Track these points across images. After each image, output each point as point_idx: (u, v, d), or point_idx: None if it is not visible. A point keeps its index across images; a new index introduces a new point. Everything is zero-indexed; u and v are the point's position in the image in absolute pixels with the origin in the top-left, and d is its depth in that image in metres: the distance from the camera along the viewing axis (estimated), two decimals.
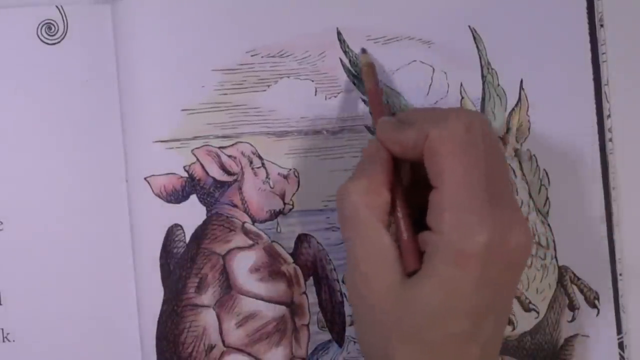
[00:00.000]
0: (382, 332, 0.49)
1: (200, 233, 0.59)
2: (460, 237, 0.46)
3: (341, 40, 0.59)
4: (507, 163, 0.51)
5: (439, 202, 0.47)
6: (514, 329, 0.60)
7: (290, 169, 0.59)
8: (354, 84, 0.59)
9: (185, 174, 0.59)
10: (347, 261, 0.51)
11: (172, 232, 0.59)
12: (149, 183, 0.59)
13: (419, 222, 0.49)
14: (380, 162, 0.51)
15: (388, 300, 0.48)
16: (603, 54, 0.61)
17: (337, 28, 0.59)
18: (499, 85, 0.60)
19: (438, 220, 0.47)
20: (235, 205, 0.59)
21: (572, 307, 0.61)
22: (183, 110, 0.59)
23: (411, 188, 0.52)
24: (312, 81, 0.59)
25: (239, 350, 0.59)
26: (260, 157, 0.59)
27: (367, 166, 0.51)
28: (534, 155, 0.61)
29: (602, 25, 0.61)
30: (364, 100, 0.60)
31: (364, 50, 0.59)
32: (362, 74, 0.59)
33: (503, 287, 0.48)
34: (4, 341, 0.59)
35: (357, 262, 0.50)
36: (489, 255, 0.46)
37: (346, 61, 0.59)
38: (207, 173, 0.59)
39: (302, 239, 0.60)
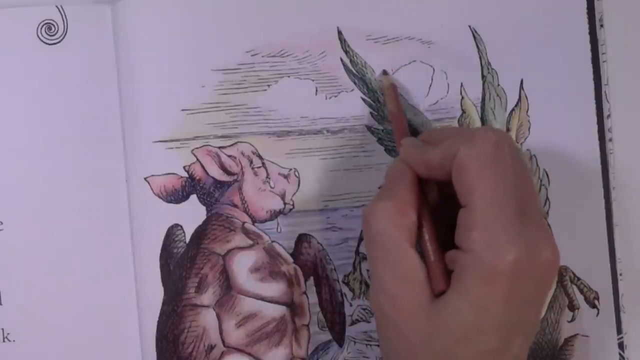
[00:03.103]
0: (409, 351, 0.49)
1: (200, 233, 0.59)
2: (490, 255, 0.46)
3: (342, 40, 0.59)
4: (532, 179, 0.51)
5: (468, 220, 0.47)
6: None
7: (291, 169, 0.59)
8: (355, 83, 0.59)
9: (185, 174, 0.59)
10: (372, 281, 0.51)
11: (172, 232, 0.59)
12: (148, 183, 0.59)
13: (445, 240, 0.50)
14: (406, 182, 0.51)
15: (417, 320, 0.48)
16: (603, 54, 0.61)
17: (338, 27, 0.59)
18: (499, 85, 0.60)
19: (468, 239, 0.47)
20: (235, 205, 0.59)
21: (572, 307, 0.61)
22: (183, 110, 0.59)
23: (437, 207, 0.52)
24: (313, 81, 0.59)
25: (239, 350, 0.59)
26: (260, 157, 0.59)
27: (392, 186, 0.51)
28: (534, 155, 0.61)
29: (602, 25, 0.61)
30: (364, 100, 0.60)
31: (385, 72, 0.59)
32: (385, 96, 0.59)
33: (531, 303, 0.48)
34: (4, 341, 0.58)
35: (383, 283, 0.50)
36: (518, 273, 0.46)
37: (347, 61, 0.59)
38: (207, 173, 0.59)
39: (302, 239, 0.60)
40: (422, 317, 0.48)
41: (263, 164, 0.59)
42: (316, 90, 0.59)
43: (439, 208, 0.52)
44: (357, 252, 0.60)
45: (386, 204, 0.50)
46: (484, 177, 0.47)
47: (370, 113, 0.59)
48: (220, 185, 0.59)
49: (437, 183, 0.52)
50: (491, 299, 0.46)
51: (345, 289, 0.60)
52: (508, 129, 0.60)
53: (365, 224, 0.51)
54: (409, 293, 0.49)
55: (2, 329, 0.58)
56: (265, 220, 0.60)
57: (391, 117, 0.57)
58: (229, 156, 0.59)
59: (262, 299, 0.59)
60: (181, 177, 0.59)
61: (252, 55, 0.59)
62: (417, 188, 0.51)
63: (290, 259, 0.60)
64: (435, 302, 0.48)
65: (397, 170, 0.52)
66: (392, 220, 0.49)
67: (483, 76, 0.60)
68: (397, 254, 0.49)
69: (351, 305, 0.60)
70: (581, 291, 0.61)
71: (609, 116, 0.61)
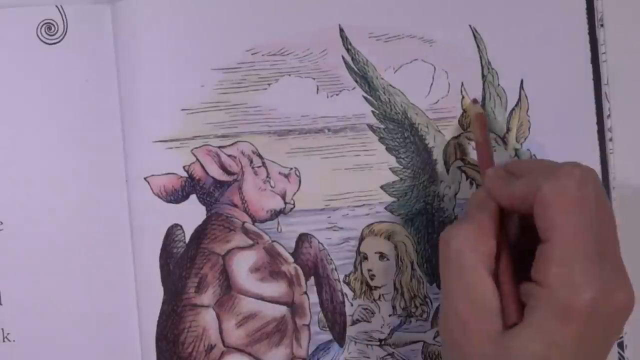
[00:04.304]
0: None
1: (200, 233, 0.59)
2: (567, 293, 0.46)
3: (343, 38, 0.59)
4: (615, 219, 0.51)
5: (547, 256, 0.48)
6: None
7: (291, 168, 0.59)
8: (356, 81, 0.59)
9: (185, 174, 0.59)
10: (443, 306, 0.51)
11: (172, 232, 0.59)
12: (148, 183, 0.59)
13: (518, 272, 0.50)
14: (489, 211, 0.52)
15: (486, 349, 0.48)
16: (603, 53, 0.61)
17: (339, 25, 0.59)
18: (499, 85, 0.60)
19: (545, 274, 0.47)
20: (235, 205, 0.59)
21: None
22: (183, 110, 0.59)
23: (514, 238, 0.53)
24: (314, 79, 0.59)
25: (239, 350, 0.59)
26: (260, 157, 0.59)
27: (474, 214, 0.52)
28: (534, 155, 0.61)
29: (602, 25, 0.61)
30: (365, 99, 0.60)
31: (475, 101, 0.60)
32: (472, 124, 0.59)
33: (600, 345, 0.49)
34: (4, 341, 0.58)
35: (455, 307, 0.50)
36: (593, 313, 0.46)
37: (348, 59, 0.59)
38: (206, 173, 0.59)
39: (303, 238, 0.60)
40: (492, 347, 0.48)
41: (263, 163, 0.59)
42: (317, 89, 0.59)
43: (516, 239, 0.53)
44: (357, 252, 0.60)
45: (467, 229, 0.51)
46: (566, 213, 0.48)
47: (372, 112, 0.59)
48: (220, 185, 0.59)
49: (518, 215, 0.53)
50: (563, 336, 0.46)
51: (346, 289, 0.60)
52: (508, 129, 0.60)
53: (443, 246, 0.51)
54: (481, 320, 0.49)
55: (2, 329, 0.58)
56: (265, 220, 0.60)
57: (476, 146, 0.58)
58: (229, 156, 0.59)
59: (262, 298, 0.59)
60: (181, 177, 0.59)
61: (252, 54, 0.59)
62: (499, 218, 0.52)
63: (291, 259, 0.60)
64: (506, 333, 0.48)
65: (480, 200, 0.53)
66: (472, 244, 0.50)
67: (483, 76, 0.60)
68: (473, 278, 0.50)
69: (352, 305, 0.60)
70: None
71: (609, 116, 0.61)
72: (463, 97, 0.60)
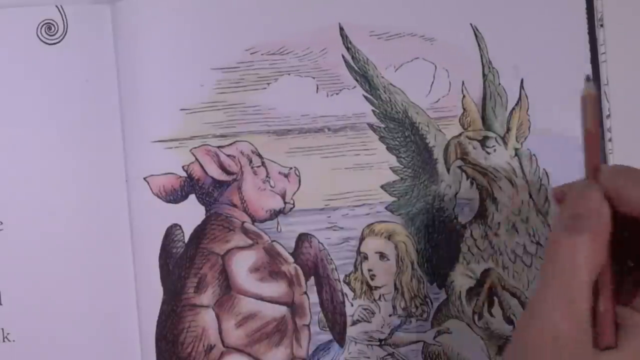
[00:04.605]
0: None
1: (199, 233, 0.59)
2: None
3: (343, 36, 0.59)
4: None
5: None
6: (514, 328, 0.60)
7: (291, 168, 0.59)
8: (357, 80, 0.59)
9: (184, 174, 0.59)
10: (533, 308, 0.46)
11: (171, 232, 0.59)
12: (148, 183, 0.59)
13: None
14: (605, 219, 0.45)
15: None
16: (603, 53, 0.61)
17: (340, 24, 0.59)
18: (499, 84, 0.60)
19: None
20: (234, 205, 0.59)
21: None
22: (182, 109, 0.59)
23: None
24: (314, 78, 0.59)
25: (238, 350, 0.59)
26: (260, 156, 0.59)
27: (588, 220, 0.45)
28: (534, 155, 0.61)
29: (602, 25, 0.61)
30: (366, 97, 0.60)
31: (589, 78, 0.49)
32: (585, 107, 0.48)
33: None
34: (4, 341, 0.58)
35: (552, 318, 0.45)
36: None
37: (348, 57, 0.59)
38: (206, 173, 0.59)
39: (302, 238, 0.60)
40: None
41: (263, 163, 0.59)
42: (317, 88, 0.59)
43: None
44: (358, 252, 0.60)
45: (584, 239, 0.45)
46: None
47: (372, 111, 0.59)
48: (219, 184, 0.59)
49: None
50: None
51: (346, 289, 0.60)
52: (508, 129, 0.60)
53: (550, 251, 0.46)
54: (577, 336, 0.44)
55: (2, 329, 0.58)
56: (265, 220, 0.60)
57: (586, 135, 0.48)
58: (228, 155, 0.59)
59: (262, 299, 0.59)
60: (180, 176, 0.59)
61: (251, 54, 0.59)
62: (612, 227, 0.46)
63: (291, 259, 0.59)
64: (600, 354, 0.45)
65: (596, 203, 0.46)
66: (587, 258, 0.45)
67: (484, 75, 0.60)
68: (575, 294, 0.44)
69: (352, 305, 0.60)
70: None
71: (608, 116, 0.61)
72: (464, 96, 0.60)
